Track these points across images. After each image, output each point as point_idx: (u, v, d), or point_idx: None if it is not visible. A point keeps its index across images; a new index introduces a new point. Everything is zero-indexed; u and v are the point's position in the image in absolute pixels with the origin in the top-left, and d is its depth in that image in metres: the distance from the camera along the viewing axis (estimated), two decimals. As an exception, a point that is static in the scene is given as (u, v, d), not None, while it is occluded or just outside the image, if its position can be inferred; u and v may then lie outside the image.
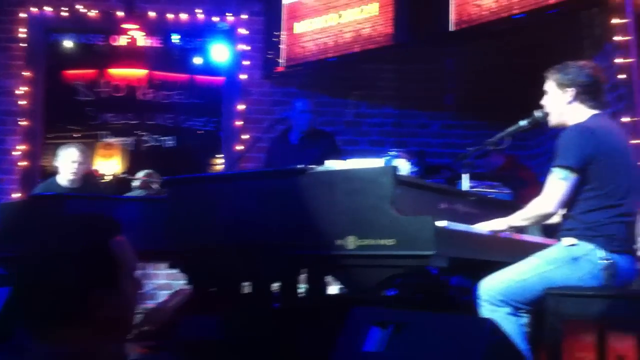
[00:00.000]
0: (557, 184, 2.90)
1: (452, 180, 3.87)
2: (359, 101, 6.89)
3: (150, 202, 4.36)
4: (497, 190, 3.85)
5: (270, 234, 3.13)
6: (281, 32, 6.68)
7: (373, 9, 6.16)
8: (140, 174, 5.65)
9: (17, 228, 3.88)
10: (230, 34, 6.87)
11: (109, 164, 6.66)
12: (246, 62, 6.83)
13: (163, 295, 5.88)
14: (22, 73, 6.62)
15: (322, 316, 3.08)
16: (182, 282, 4.42)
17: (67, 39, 6.88)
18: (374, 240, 2.82)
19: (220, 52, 6.89)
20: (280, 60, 6.68)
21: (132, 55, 6.94)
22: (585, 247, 2.87)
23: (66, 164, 5.23)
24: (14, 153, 6.58)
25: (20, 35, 6.68)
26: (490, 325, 2.33)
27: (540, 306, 2.82)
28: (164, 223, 3.53)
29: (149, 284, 6.13)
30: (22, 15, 6.69)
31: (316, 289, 3.18)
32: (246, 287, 3.46)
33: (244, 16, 6.87)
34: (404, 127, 6.80)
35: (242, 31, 6.85)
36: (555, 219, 3.07)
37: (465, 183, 3.55)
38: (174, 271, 4.26)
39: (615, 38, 4.75)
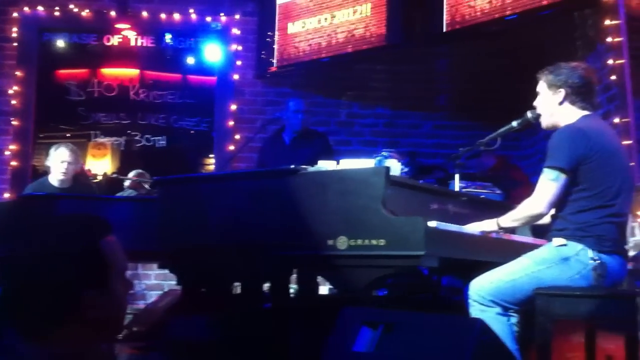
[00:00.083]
0: (548, 185, 2.90)
1: (444, 181, 3.87)
2: (351, 101, 6.90)
3: (141, 202, 4.35)
4: (488, 191, 3.86)
5: (261, 234, 3.12)
6: (274, 32, 6.68)
7: (366, 9, 6.17)
8: (132, 174, 5.65)
9: (7, 228, 3.86)
10: (223, 34, 6.86)
11: (101, 164, 6.65)
12: (239, 62, 6.82)
13: (153, 296, 5.87)
14: (14, 73, 6.61)
15: (312, 316, 3.08)
16: (172, 282, 4.41)
17: (60, 38, 6.87)
18: (365, 241, 2.82)
19: (213, 52, 6.88)
20: (273, 61, 6.68)
21: (124, 55, 6.93)
22: (575, 248, 2.88)
23: (57, 164, 5.21)
24: (6, 153, 6.56)
25: (13, 34, 6.67)
26: (480, 325, 2.33)
27: (530, 306, 2.83)
28: (155, 223, 3.52)
29: (139, 285, 6.12)
30: (15, 14, 6.68)
31: (307, 289, 3.17)
32: (237, 288, 3.45)
33: (237, 16, 6.87)
34: (396, 127, 6.81)
35: (235, 31, 6.85)
36: (546, 220, 3.08)
37: (457, 183, 3.56)
38: (164, 271, 4.25)
39: (608, 39, 4.76)
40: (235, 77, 6.80)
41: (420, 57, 6.64)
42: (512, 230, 3.21)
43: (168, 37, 6.92)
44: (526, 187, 3.11)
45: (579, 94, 3.04)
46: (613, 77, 4.69)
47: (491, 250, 3.06)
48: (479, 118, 6.17)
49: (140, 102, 6.89)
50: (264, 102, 6.80)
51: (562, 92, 3.04)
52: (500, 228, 3.00)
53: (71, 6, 6.74)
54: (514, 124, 3.41)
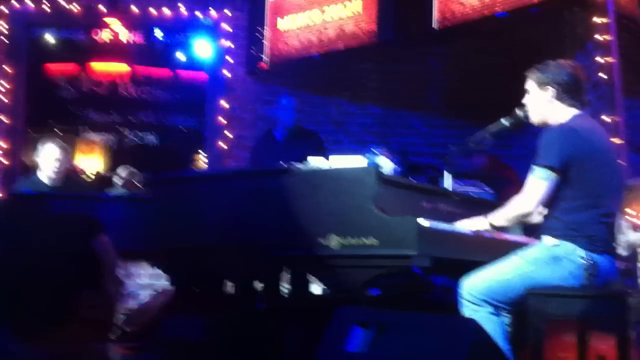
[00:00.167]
0: (538, 184, 2.92)
1: (436, 180, 3.88)
2: (343, 100, 6.90)
3: (133, 201, 4.33)
4: (479, 190, 3.87)
5: (254, 233, 3.12)
6: (265, 28, 6.65)
7: (356, 5, 6.15)
8: (121, 171, 5.60)
9: (-2, 227, 3.84)
10: (213, 30, 6.85)
11: (90, 161, 6.62)
12: (229, 59, 6.80)
13: (146, 296, 5.85)
14: (3, 68, 6.56)
15: (306, 316, 3.08)
16: (165, 282, 4.39)
17: (49, 33, 6.82)
18: (357, 240, 2.83)
19: (203, 48, 6.86)
20: (263, 57, 6.66)
21: (114, 50, 6.90)
22: (567, 247, 2.89)
23: (47, 161, 5.15)
24: (-4, 151, 6.53)
25: (2, 30, 6.62)
26: (472, 325, 2.35)
27: (522, 306, 2.84)
28: (147, 223, 3.51)
29: (132, 284, 6.09)
30: (4, 9, 6.64)
31: (299, 289, 3.18)
32: (230, 287, 3.45)
33: (227, 11, 6.84)
34: (388, 126, 6.82)
35: (226, 27, 6.83)
36: (537, 219, 3.09)
37: (448, 182, 3.57)
38: (157, 271, 4.24)
39: (597, 37, 4.79)
40: (226, 73, 6.78)
41: (412, 56, 6.63)
42: (504, 229, 3.22)
43: (158, 32, 6.89)
44: (518, 186, 3.12)
45: (567, 91, 3.05)
46: (602, 75, 4.72)
47: (484, 250, 3.07)
48: (471, 117, 6.17)
49: (131, 99, 6.86)
50: (255, 99, 6.78)
51: (551, 90, 3.06)
52: (491, 226, 3.02)
53: (60, 1, 6.69)
54: (503, 121, 3.43)
